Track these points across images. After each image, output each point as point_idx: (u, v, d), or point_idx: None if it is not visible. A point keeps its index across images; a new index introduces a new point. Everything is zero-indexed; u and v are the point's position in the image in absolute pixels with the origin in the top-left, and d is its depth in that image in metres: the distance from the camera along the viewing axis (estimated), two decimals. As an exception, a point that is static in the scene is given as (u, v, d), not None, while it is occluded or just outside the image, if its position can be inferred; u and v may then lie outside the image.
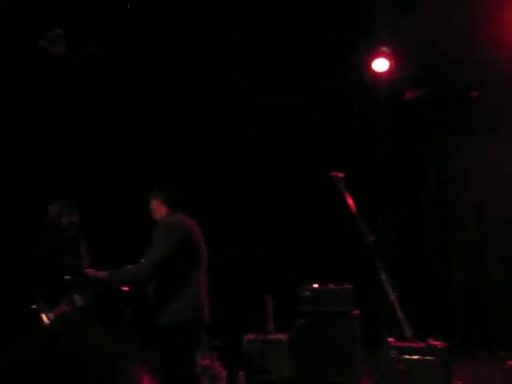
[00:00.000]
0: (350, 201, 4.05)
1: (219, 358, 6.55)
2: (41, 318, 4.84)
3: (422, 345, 5.60)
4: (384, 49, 6.77)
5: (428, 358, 5.72)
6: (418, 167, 7.79)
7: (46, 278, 4.98)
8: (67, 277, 4.68)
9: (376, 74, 6.99)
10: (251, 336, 6.82)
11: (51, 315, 4.83)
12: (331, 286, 6.54)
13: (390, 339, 6.21)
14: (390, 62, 6.88)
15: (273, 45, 6.97)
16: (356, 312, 6.41)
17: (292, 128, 7.63)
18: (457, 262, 7.73)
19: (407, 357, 5.88)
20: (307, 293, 6.53)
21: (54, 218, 5.09)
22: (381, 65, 6.88)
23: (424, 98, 7.27)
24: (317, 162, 7.26)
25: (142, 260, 4.25)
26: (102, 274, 4.34)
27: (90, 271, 4.45)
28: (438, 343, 5.74)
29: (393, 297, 3.35)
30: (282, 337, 6.66)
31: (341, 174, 4.14)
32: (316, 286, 6.57)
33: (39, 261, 5.04)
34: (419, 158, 7.75)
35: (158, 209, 4.46)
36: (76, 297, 4.90)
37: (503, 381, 5.99)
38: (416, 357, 5.72)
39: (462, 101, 7.21)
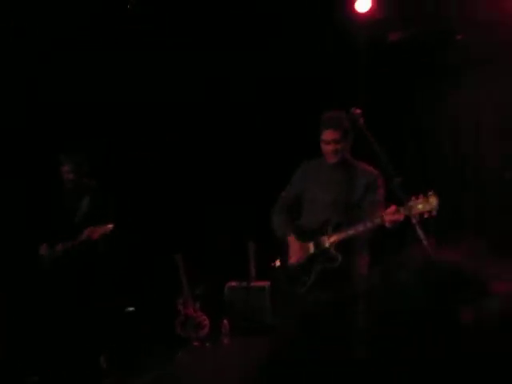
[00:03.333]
0: (371, 136, 3.94)
1: (202, 306, 6.56)
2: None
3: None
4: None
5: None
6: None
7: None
8: None
9: (358, 16, 6.74)
10: (233, 283, 6.82)
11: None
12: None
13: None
14: (373, 2, 6.64)
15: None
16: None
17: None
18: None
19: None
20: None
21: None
22: (363, 5, 6.63)
23: (410, 39, 6.99)
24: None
25: None
26: None
27: None
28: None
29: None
30: (264, 284, 6.65)
31: (358, 110, 4.04)
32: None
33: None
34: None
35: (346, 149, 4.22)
36: (59, 247, 5.28)
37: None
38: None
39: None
